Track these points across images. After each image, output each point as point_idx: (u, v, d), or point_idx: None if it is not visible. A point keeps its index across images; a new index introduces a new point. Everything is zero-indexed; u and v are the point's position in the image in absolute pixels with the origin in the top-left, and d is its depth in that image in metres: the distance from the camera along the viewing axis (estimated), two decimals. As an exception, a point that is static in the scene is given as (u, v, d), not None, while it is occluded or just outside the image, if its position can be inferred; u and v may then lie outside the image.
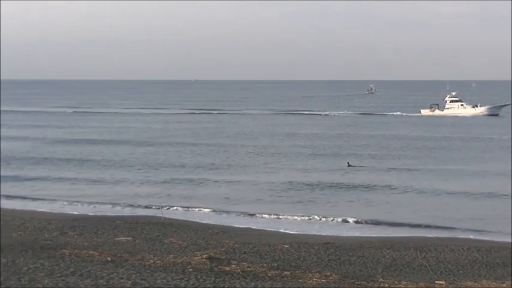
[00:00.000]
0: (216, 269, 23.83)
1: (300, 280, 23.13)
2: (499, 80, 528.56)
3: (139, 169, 63.07)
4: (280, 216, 43.61)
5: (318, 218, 42.94)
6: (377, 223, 41.53)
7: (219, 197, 49.87)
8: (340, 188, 53.37)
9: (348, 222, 42.03)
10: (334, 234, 37.76)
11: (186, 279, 21.87)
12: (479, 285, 23.64)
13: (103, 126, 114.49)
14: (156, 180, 57.14)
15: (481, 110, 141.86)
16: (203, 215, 44.26)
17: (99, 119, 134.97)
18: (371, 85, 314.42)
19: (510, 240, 36.02)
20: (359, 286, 22.76)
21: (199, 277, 22.17)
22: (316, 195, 50.88)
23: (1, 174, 58.18)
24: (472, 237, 37.39)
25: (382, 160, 69.37)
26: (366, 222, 41.82)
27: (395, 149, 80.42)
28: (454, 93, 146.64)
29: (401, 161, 68.11)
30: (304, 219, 42.96)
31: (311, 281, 23.18)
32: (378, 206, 47.38)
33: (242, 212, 44.81)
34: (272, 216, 43.93)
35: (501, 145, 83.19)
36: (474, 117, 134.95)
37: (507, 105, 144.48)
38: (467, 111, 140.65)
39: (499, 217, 42.43)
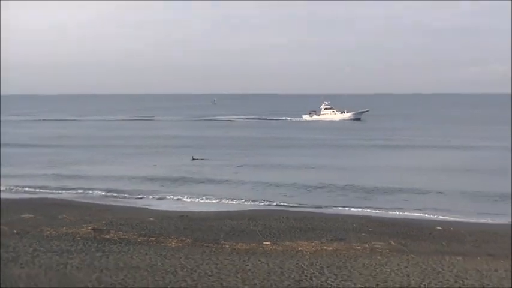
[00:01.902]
0: (98, 237, 24.59)
1: (163, 244, 24.05)
2: (363, 94, 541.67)
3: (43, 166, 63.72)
4: (150, 197, 45.71)
5: (181, 198, 45.34)
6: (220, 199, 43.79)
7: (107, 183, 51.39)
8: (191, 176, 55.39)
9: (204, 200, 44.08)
10: (190, 210, 39.10)
11: (75, 245, 22.58)
12: (295, 244, 24.80)
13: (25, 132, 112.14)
14: (54, 173, 57.97)
15: (348, 115, 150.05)
16: (93, 196, 45.43)
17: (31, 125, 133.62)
18: (215, 98, 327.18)
19: (315, 210, 38.99)
20: (207, 247, 23.66)
21: (85, 243, 22.96)
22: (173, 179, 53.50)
23: None
24: (289, 209, 39.37)
25: (227, 156, 72.26)
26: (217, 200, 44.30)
27: (242, 147, 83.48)
28: (327, 103, 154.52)
29: (245, 158, 70.54)
30: (168, 199, 45.31)
31: (171, 244, 24.07)
32: (223, 186, 50.38)
33: (123, 194, 46.21)
34: (145, 196, 45.42)
35: (321, 144, 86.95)
36: (342, 120, 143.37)
37: (366, 111, 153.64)
38: (337, 116, 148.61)
39: (302, 196, 45.18)
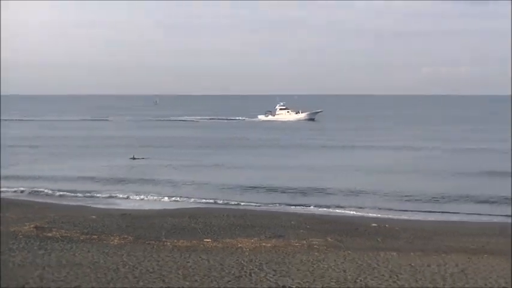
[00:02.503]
0: (41, 235, 24.28)
1: (105, 242, 23.85)
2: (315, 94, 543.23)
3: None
4: (92, 195, 45.22)
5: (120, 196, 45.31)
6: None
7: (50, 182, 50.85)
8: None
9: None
10: (132, 208, 39.07)
11: (17, 243, 22.30)
12: (235, 241, 24.84)
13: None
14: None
15: (302, 115, 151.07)
16: (36, 195, 45.06)
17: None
18: (156, 98, 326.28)
19: (254, 208, 39.34)
20: (149, 245, 23.52)
21: (27, 241, 22.68)
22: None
23: None
24: (230, 207, 39.74)
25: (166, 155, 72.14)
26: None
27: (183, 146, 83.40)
28: (282, 103, 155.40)
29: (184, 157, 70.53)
30: (109, 197, 45.13)
31: (113, 242, 23.87)
32: (164, 185, 50.27)
33: (65, 193, 45.77)
34: (87, 195, 45.23)
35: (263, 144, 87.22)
36: (297, 121, 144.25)
37: (320, 111, 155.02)
38: (292, 116, 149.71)
39: (242, 194, 45.49)
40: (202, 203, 42.06)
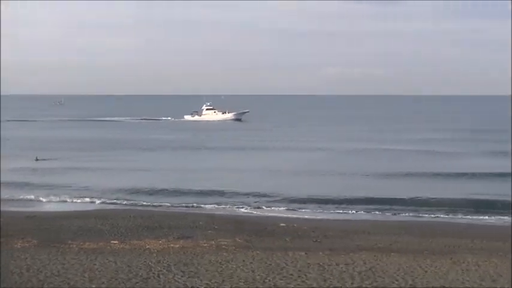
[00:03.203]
0: None
1: (8, 245, 23.36)
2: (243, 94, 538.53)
3: None
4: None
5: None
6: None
7: None
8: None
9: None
10: (37, 210, 38.39)
11: None
12: (143, 242, 24.71)
13: None
14: None
15: (229, 115, 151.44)
16: None
17: None
18: (61, 98, 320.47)
19: (162, 209, 39.01)
20: (54, 247, 23.21)
21: None
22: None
23: None
24: (137, 208, 39.42)
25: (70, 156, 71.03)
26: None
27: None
28: (208, 103, 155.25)
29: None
30: (13, 199, 43.84)
31: (16, 245, 23.48)
32: (69, 186, 49.27)
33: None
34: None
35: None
36: (224, 121, 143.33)
37: (247, 112, 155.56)
38: (219, 116, 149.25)
39: (149, 196, 45.21)
40: (109, 204, 41.54)
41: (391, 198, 42.58)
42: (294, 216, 37.80)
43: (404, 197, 42.71)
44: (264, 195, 44.74)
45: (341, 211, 40.18)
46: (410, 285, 18.86)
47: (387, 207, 40.43)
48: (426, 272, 20.34)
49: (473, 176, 52.83)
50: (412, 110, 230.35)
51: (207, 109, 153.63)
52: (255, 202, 42.38)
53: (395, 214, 38.79)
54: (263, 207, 40.91)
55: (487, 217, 37.55)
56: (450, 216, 38.16)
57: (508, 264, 21.54)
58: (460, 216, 38.11)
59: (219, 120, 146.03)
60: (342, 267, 20.72)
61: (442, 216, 38.26)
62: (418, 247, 25.50)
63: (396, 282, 19.08)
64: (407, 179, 52.09)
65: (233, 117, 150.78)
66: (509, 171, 53.12)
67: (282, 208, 40.80)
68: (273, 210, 40.31)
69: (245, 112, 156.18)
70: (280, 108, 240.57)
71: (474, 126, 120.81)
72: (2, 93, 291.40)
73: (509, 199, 40.78)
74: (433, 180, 51.65)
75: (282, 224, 32.04)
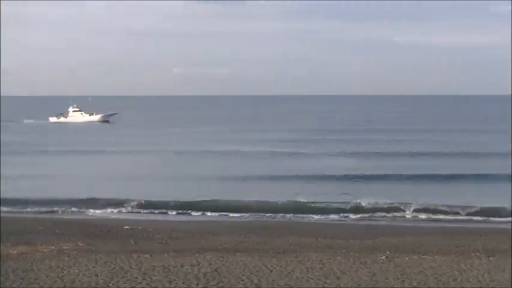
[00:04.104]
0: None
1: None
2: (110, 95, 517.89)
3: None
4: None
5: None
6: None
7: None
8: None
9: None
10: None
11: None
12: None
13: None
14: None
15: (96, 117, 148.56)
16: None
17: None
18: None
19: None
20: None
21: None
22: None
23: None
24: None
25: None
26: None
27: None
28: (75, 105, 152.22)
29: None
30: None
31: None
32: None
33: None
34: None
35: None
36: (91, 123, 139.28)
37: (115, 113, 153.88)
38: (86, 118, 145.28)
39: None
40: None
41: (233, 200, 42.74)
42: (139, 218, 37.54)
43: (248, 198, 43.03)
44: (108, 199, 44.02)
45: (187, 212, 40.19)
46: (256, 284, 19.13)
47: (231, 208, 40.70)
48: (272, 271, 20.69)
49: (323, 177, 53.92)
50: (257, 110, 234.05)
51: (73, 111, 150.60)
52: (98, 205, 41.65)
53: (241, 215, 39.17)
54: (107, 210, 40.34)
55: (331, 216, 38.61)
56: (296, 215, 38.87)
57: (349, 261, 22.25)
58: (301, 216, 38.84)
59: (85, 122, 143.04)
60: (187, 269, 20.75)
61: (288, 216, 38.94)
62: (264, 247, 25.92)
63: (242, 282, 19.31)
64: (252, 181, 52.67)
65: (101, 119, 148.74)
66: (359, 172, 54.94)
67: (126, 211, 40.39)
68: (117, 212, 39.84)
69: (113, 114, 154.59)
70: (147, 110, 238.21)
71: (324, 126, 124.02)
72: None
73: (352, 199, 41.87)
74: (283, 181, 52.44)
75: (126, 227, 31.70)
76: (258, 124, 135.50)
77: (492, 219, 36.82)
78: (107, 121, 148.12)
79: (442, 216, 37.79)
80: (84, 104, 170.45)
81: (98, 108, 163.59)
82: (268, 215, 39.16)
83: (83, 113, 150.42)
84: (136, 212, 40.13)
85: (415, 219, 37.79)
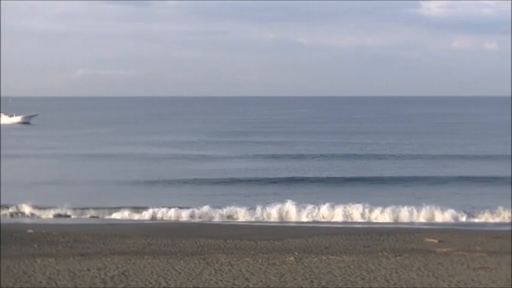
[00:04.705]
0: None
1: None
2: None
3: None
4: None
5: None
6: None
7: None
8: None
9: None
10: None
11: None
12: None
13: None
14: None
15: (17, 118, 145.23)
16: None
17: None
18: None
19: None
20: None
21: None
22: None
23: None
24: None
25: None
26: None
27: None
28: None
29: None
30: None
31: None
32: None
33: None
34: None
35: None
36: (11, 124, 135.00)
37: (36, 115, 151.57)
38: (6, 120, 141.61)
39: None
40: None
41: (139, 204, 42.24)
42: (43, 222, 36.84)
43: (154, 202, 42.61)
44: (8, 204, 42.88)
45: (94, 216, 39.64)
46: (164, 287, 19.06)
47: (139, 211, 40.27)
48: (180, 273, 20.68)
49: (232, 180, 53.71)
50: (162, 111, 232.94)
51: None
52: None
53: (150, 217, 38.81)
54: (6, 213, 39.39)
55: (240, 217, 38.67)
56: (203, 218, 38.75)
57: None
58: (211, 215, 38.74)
59: (5, 124, 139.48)
60: (94, 272, 20.52)
61: (196, 218, 38.81)
62: (172, 249, 25.86)
63: (150, 285, 19.25)
64: (157, 185, 52.21)
65: (21, 121, 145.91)
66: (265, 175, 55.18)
67: (29, 214, 39.54)
68: (20, 216, 38.99)
69: (33, 115, 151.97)
70: (66, 110, 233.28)
71: (230, 128, 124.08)
72: None
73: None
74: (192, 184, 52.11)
75: (29, 231, 31.05)
76: (162, 125, 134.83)
77: (400, 220, 37.61)
78: (28, 122, 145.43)
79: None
80: (6, 105, 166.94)
81: (18, 109, 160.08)
82: (179, 215, 38.92)
83: (2, 114, 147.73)
84: (39, 216, 39.31)
85: (323, 220, 38.21)
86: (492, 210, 38.45)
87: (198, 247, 26.36)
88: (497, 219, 37.29)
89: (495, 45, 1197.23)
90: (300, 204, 39.58)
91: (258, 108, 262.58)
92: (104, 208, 41.07)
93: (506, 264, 22.35)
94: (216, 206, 40.33)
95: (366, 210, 38.93)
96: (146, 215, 39.07)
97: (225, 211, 39.57)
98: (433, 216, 37.82)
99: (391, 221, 37.64)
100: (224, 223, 37.20)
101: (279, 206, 39.15)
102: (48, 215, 39.74)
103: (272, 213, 38.86)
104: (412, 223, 36.78)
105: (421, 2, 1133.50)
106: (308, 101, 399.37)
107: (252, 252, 24.86)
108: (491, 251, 25.39)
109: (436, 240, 28.13)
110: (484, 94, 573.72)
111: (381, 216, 38.35)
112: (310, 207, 39.33)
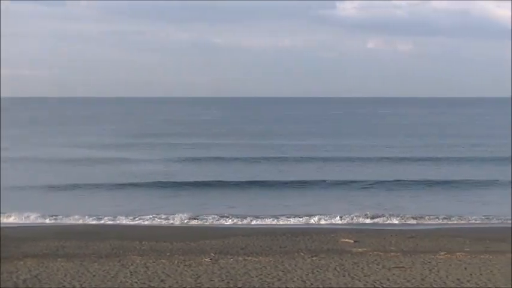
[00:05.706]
0: None
1: None
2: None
3: None
4: None
5: None
6: None
7: None
8: None
9: None
10: None
11: None
12: None
13: None
14: None
15: None
16: None
17: None
18: None
19: None
20: None
21: None
22: None
23: None
24: None
25: None
26: None
27: None
28: None
29: None
30: None
31: None
32: None
33: None
34: None
35: None
36: None
37: None
38: None
39: None
40: None
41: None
42: None
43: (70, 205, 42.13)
44: None
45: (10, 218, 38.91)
46: (78, 290, 18.99)
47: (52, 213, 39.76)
48: (94, 275, 20.64)
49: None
50: (80, 111, 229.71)
51: None
52: None
53: (66, 219, 38.33)
54: None
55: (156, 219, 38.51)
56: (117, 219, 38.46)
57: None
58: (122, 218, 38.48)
59: None
60: (5, 276, 20.40)
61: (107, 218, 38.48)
62: (85, 251, 25.74)
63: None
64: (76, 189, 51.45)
65: None
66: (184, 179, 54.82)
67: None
68: None
69: None
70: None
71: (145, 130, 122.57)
72: None
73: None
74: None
75: None
76: (75, 127, 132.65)
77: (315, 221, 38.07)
78: None
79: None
80: None
81: None
82: (91, 219, 38.54)
83: None
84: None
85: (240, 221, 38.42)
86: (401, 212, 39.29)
87: (113, 249, 26.29)
88: (412, 221, 38.00)
89: (410, 46, 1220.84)
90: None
91: (177, 108, 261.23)
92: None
93: (420, 263, 23.05)
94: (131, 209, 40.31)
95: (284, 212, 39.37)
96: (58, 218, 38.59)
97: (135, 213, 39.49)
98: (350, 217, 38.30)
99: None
100: (139, 225, 37.03)
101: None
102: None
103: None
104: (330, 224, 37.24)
105: (337, 3, 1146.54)
106: (223, 102, 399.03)
107: (168, 253, 24.95)
108: (405, 250, 26.12)
109: (351, 241, 28.71)
110: (403, 95, 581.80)
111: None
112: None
